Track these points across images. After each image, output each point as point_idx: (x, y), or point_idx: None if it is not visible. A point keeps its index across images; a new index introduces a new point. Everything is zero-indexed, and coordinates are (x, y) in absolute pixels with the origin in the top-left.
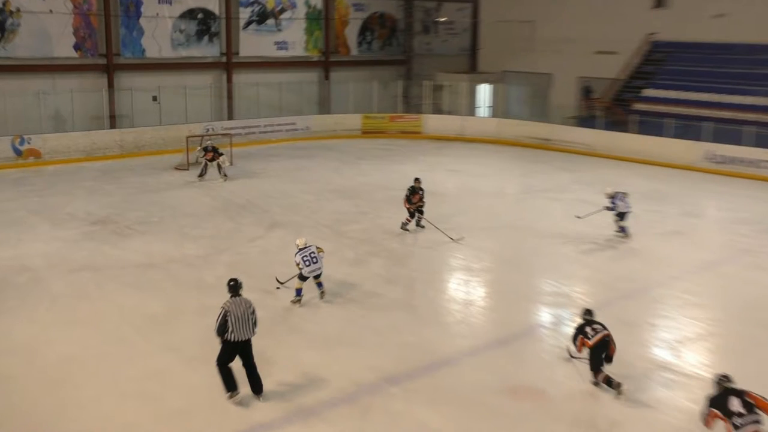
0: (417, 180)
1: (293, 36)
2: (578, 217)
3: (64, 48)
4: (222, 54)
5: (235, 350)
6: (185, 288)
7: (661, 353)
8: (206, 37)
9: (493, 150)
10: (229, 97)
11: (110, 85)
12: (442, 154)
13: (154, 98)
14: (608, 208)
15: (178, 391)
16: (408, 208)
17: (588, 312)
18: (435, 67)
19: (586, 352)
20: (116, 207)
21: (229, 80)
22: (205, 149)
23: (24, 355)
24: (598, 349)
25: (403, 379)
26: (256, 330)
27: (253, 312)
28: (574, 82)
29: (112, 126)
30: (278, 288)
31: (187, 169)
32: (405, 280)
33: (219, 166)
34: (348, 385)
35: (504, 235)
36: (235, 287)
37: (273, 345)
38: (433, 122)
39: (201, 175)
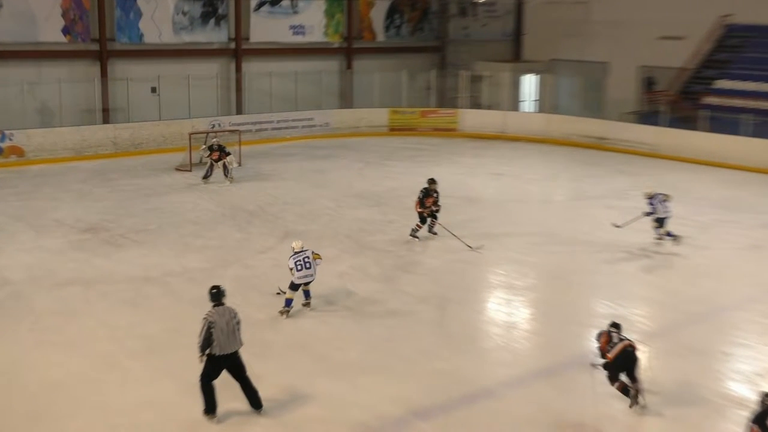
0: (431, 181)
1: (311, 19)
2: (617, 226)
3: (51, 32)
4: (230, 40)
5: (221, 365)
6: (186, 306)
7: (737, 387)
8: (212, 21)
9: (540, 150)
10: (238, 88)
11: (103, 74)
12: (482, 154)
13: (153, 90)
14: (647, 214)
15: (176, 424)
16: (420, 212)
17: (615, 326)
18: (473, 54)
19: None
20: (109, 213)
21: (238, 69)
22: (210, 148)
23: (1, 381)
24: (619, 361)
25: (434, 413)
26: (242, 341)
27: (239, 322)
28: (633, 72)
29: (106, 121)
30: (278, 294)
31: (190, 171)
32: (438, 299)
33: (225, 167)
34: (371, 419)
35: (552, 248)
36: (217, 295)
37: (284, 370)
38: (470, 118)
39: (205, 177)
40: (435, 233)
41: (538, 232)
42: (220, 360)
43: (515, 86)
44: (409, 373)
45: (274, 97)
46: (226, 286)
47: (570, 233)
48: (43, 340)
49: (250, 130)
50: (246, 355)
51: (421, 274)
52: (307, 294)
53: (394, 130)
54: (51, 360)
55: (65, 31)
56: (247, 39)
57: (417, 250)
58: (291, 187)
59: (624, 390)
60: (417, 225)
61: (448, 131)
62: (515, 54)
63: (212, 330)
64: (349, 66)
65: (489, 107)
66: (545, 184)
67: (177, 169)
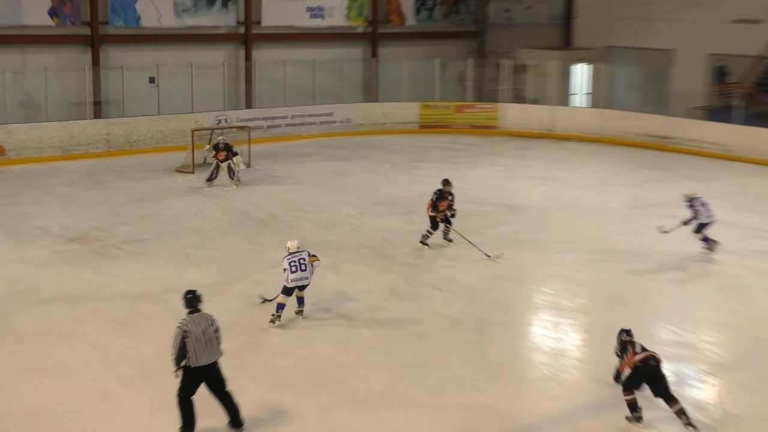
0: (446, 182)
1: (331, 0)
2: (664, 232)
3: (36, 14)
4: (239, 23)
5: (198, 378)
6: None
7: None
8: (219, 2)
9: (593, 151)
10: (248, 79)
11: (95, 62)
12: (526, 155)
13: (152, 80)
14: (690, 219)
15: None
16: (433, 217)
17: (626, 332)
18: (516, 41)
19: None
20: (100, 220)
21: (248, 57)
22: (216, 147)
23: None
24: (639, 373)
25: None
26: (222, 350)
27: (217, 330)
28: (702, 61)
29: (97, 115)
30: (262, 302)
31: (192, 172)
32: (475, 322)
33: (231, 169)
34: None
35: (606, 264)
36: (192, 300)
37: (299, 402)
38: (513, 114)
39: (210, 180)
40: (450, 240)
41: (590, 246)
42: (197, 372)
43: (564, 77)
44: (441, 407)
45: (289, 89)
46: (232, 304)
47: (627, 246)
48: (24, 364)
49: (261, 127)
50: (256, 384)
51: (455, 293)
52: (300, 301)
53: (425, 127)
54: (33, 387)
55: (52, 12)
56: (259, 23)
57: (450, 265)
58: (307, 191)
59: (633, 407)
60: (428, 231)
61: (486, 129)
62: (565, 40)
63: (186, 339)
64: (374, 54)
65: (534, 101)
66: (598, 189)
67: (178, 171)
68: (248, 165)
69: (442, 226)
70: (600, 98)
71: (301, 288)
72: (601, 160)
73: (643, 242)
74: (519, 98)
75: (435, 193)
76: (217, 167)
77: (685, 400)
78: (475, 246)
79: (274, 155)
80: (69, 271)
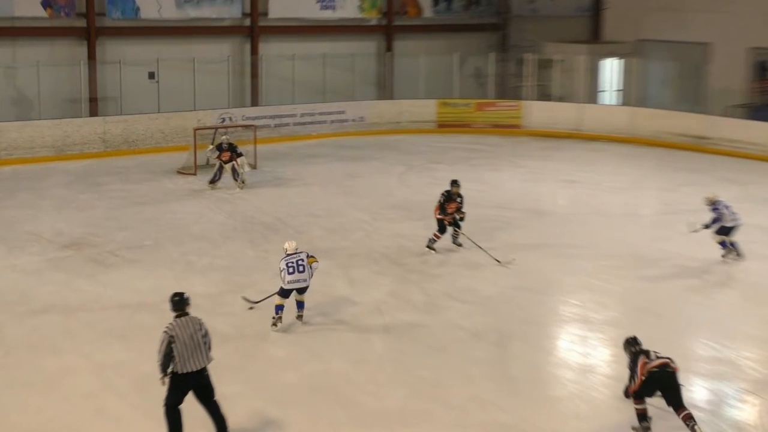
0: (454, 183)
1: None
2: (694, 231)
3: (28, 5)
4: (245, 15)
5: (186, 385)
6: None
7: None
8: None
9: (625, 152)
10: (254, 75)
11: (91, 56)
12: (551, 157)
13: (151, 75)
14: (713, 222)
15: None
16: (440, 220)
17: (634, 341)
18: (541, 34)
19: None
20: (96, 225)
21: (255, 52)
22: (219, 147)
23: None
24: (653, 380)
25: None
26: (211, 356)
27: (206, 334)
28: (742, 56)
29: (93, 113)
30: (251, 308)
31: (195, 174)
32: (496, 335)
33: (235, 171)
34: None
35: (637, 273)
36: (180, 303)
37: (307, 420)
38: (538, 112)
39: (212, 182)
40: (460, 245)
41: (621, 253)
42: (184, 379)
43: (593, 73)
44: (460, 426)
45: (298, 86)
46: (237, 315)
47: (660, 254)
48: (15, 379)
49: (268, 126)
50: (261, 400)
51: (475, 303)
52: (300, 305)
53: (444, 126)
54: (24, 403)
55: (45, 3)
56: (266, 14)
57: (470, 274)
58: (317, 194)
59: (643, 417)
60: (435, 234)
61: (509, 128)
62: (593, 33)
63: (173, 345)
64: (389, 48)
65: (560, 99)
66: (630, 194)
67: (179, 173)
68: (254, 167)
69: (450, 229)
70: (631, 95)
71: (300, 291)
72: (633, 162)
73: (676, 250)
74: (544, 95)
75: (442, 194)
76: (221, 169)
77: (725, 421)
78: (485, 251)
79: (282, 156)
80: (62, 280)
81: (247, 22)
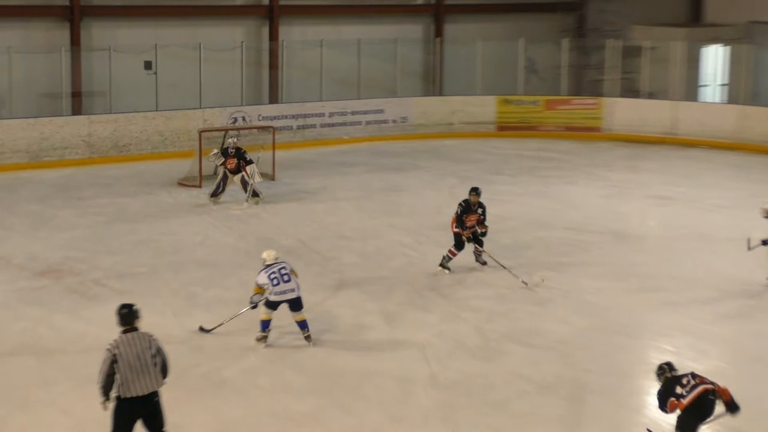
0: (474, 191)
1: None
2: (749, 248)
3: None
4: None
5: (132, 412)
6: (190, 390)
7: None
8: None
9: (731, 161)
10: (273, 65)
11: (75, 41)
12: (639, 167)
13: (148, 65)
14: (765, 242)
15: None
16: (457, 234)
17: (668, 367)
18: (627, 15)
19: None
20: (79, 248)
21: (274, 37)
22: (225, 152)
23: None
24: (695, 410)
25: None
26: (164, 380)
27: (158, 352)
28: None
29: (77, 111)
30: (207, 331)
31: (199, 186)
32: (569, 387)
33: (246, 182)
34: None
35: (748, 314)
36: (128, 317)
37: None
38: (622, 112)
39: (215, 195)
40: (484, 263)
41: (726, 288)
42: (130, 405)
43: (692, 63)
44: None
45: (326, 79)
46: (250, 360)
47: None
48: None
49: (290, 128)
50: None
51: (543, 348)
52: (302, 325)
53: (505, 128)
54: None
55: None
56: None
57: (537, 311)
58: (348, 212)
59: None
60: (450, 251)
61: (587, 131)
62: (693, 14)
63: (115, 365)
64: (438, 32)
65: (651, 95)
66: (737, 213)
67: (180, 184)
68: (272, 177)
69: (468, 245)
70: (740, 91)
71: (294, 307)
72: (741, 174)
73: None
74: (630, 91)
75: (460, 204)
76: (224, 179)
77: None
78: (508, 270)
79: (307, 165)
80: (36, 315)
81: (265, 1)
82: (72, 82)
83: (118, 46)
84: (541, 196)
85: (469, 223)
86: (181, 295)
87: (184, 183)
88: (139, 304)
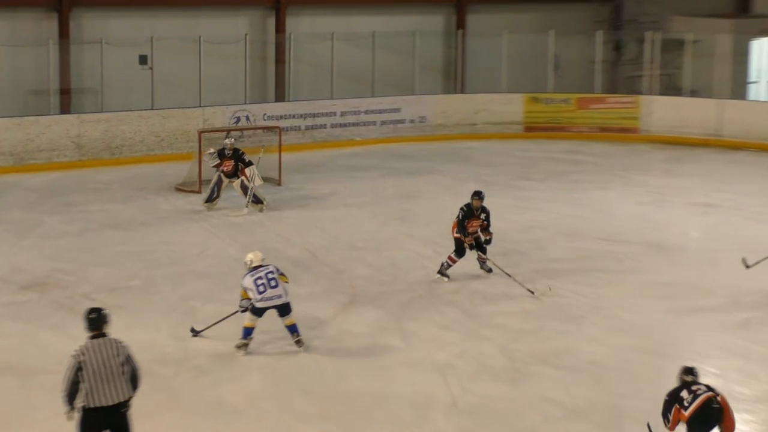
0: (477, 195)
1: None
2: (746, 267)
3: None
4: None
5: (98, 423)
6: (188, 413)
7: None
8: None
9: None
10: (280, 60)
11: (63, 33)
12: (680, 171)
13: (143, 60)
14: None
15: None
16: (458, 239)
17: (689, 371)
18: (667, 5)
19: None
20: (67, 259)
21: (280, 29)
22: (221, 153)
23: None
24: (698, 421)
25: None
26: (134, 391)
27: (127, 360)
28: None
29: (65, 110)
30: (195, 335)
31: (199, 192)
32: (602, 413)
33: (245, 186)
34: None
35: None
36: (96, 322)
37: None
38: (661, 111)
39: (210, 201)
40: (489, 270)
41: None
42: (96, 415)
43: (739, 58)
44: None
45: (337, 75)
46: (253, 381)
47: None
48: None
49: (297, 128)
50: None
51: (574, 370)
52: (292, 330)
53: (533, 129)
54: None
55: None
56: None
57: (567, 330)
58: (361, 220)
59: None
60: (449, 258)
61: (623, 132)
62: (741, 4)
63: (80, 372)
64: (460, 24)
65: (693, 93)
66: None
67: (178, 190)
68: (278, 182)
69: (470, 253)
70: None
71: (282, 312)
72: None
73: None
74: (671, 88)
75: (462, 209)
76: (219, 183)
77: None
78: (513, 278)
79: (316, 168)
80: (20, 332)
81: None
82: (60, 78)
83: (110, 38)
84: (572, 204)
85: (471, 228)
86: (178, 310)
87: (181, 188)
88: (132, 320)
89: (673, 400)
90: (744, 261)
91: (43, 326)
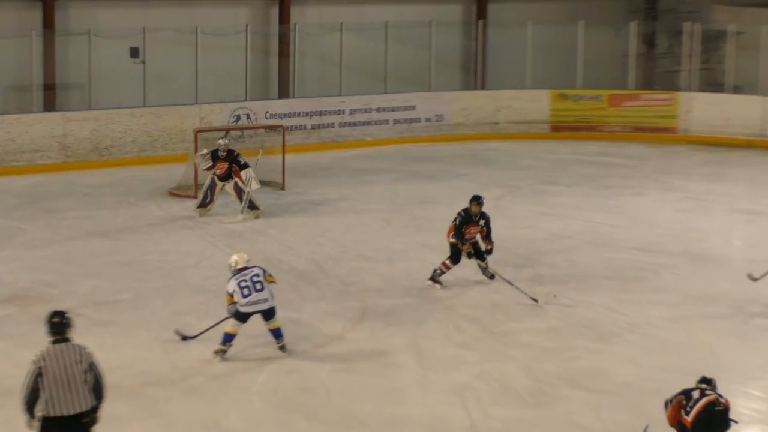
0: (476, 200)
1: None
2: (753, 279)
3: None
4: None
5: None
6: None
7: None
8: None
9: None
10: (284, 53)
11: (48, 24)
12: (721, 176)
13: (135, 53)
14: None
15: None
16: (454, 245)
17: (707, 381)
18: None
19: None
20: (50, 270)
21: (284, 20)
22: (214, 155)
23: None
24: (702, 423)
25: None
26: (100, 401)
27: (90, 368)
28: None
29: (50, 107)
30: (183, 339)
31: (195, 197)
32: None
33: (240, 190)
34: None
35: None
36: (59, 326)
37: None
38: (702, 109)
39: (203, 206)
40: (491, 276)
41: None
42: (57, 425)
43: None
44: None
45: (347, 69)
46: (254, 405)
47: None
48: None
49: (303, 127)
50: None
51: (605, 393)
52: (276, 334)
53: (561, 129)
54: None
55: None
56: None
57: (598, 349)
58: (372, 228)
59: None
60: (444, 264)
61: (659, 132)
62: None
63: (40, 379)
64: (480, 14)
65: (737, 89)
66: None
67: (172, 194)
68: (281, 186)
69: (468, 261)
70: None
71: (267, 316)
72: None
73: None
74: (712, 84)
75: (459, 214)
76: (212, 186)
77: None
78: (516, 287)
79: (323, 171)
80: (0, 349)
81: None
82: (44, 73)
83: (99, 29)
84: (604, 211)
85: (469, 235)
86: (172, 325)
87: (176, 193)
88: (121, 338)
89: (680, 393)
90: (750, 276)
91: (24, 344)
